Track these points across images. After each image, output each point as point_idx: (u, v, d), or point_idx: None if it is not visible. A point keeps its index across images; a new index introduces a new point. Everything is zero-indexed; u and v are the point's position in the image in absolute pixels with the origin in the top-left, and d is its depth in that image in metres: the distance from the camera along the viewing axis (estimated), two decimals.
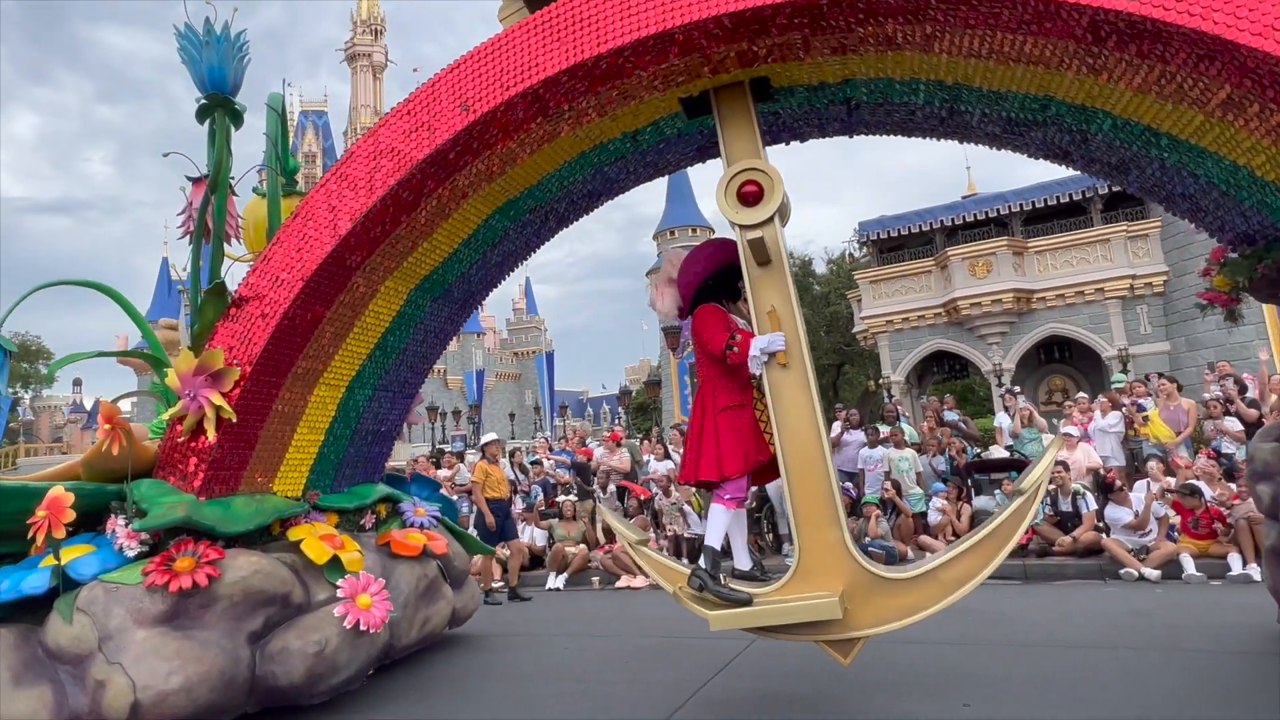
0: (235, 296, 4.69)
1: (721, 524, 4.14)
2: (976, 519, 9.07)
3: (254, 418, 4.72)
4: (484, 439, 9.82)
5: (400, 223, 4.68)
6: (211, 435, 4.47)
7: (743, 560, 4.42)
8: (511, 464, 11.74)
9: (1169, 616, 5.86)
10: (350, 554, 4.90)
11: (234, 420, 4.51)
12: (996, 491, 9.32)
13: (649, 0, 3.87)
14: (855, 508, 9.43)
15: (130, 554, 4.25)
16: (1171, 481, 8.39)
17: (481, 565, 8.43)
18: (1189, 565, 7.40)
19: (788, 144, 5.38)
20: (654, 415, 38.12)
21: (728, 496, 4.02)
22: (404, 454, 19.72)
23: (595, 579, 9.43)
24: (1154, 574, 7.37)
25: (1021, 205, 23.35)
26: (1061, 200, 22.79)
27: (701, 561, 4.01)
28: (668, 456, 11.15)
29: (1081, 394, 12.97)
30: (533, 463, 12.35)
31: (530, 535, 10.28)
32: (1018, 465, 9.70)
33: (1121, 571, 7.57)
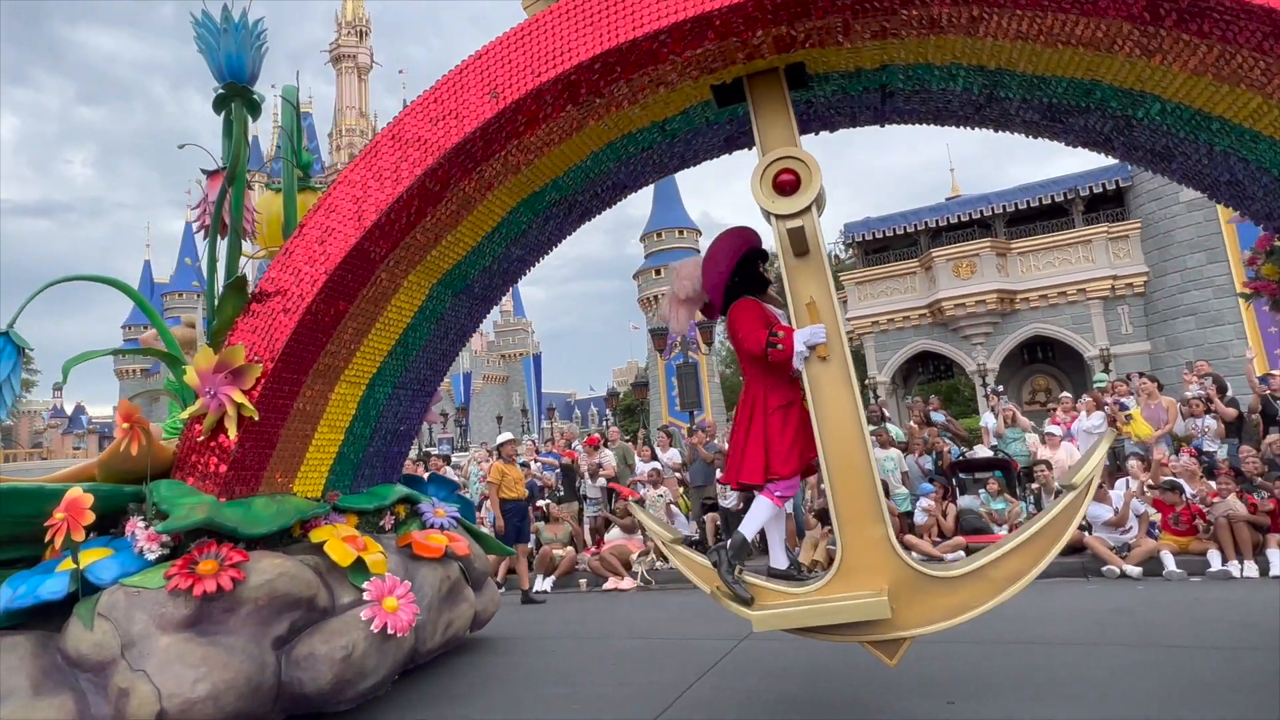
0: (256, 291, 4.56)
1: (761, 518, 4.01)
2: (961, 519, 9.14)
3: (275, 416, 4.59)
4: (499, 439, 9.68)
5: (425, 214, 4.55)
6: (233, 434, 4.33)
7: (779, 559, 4.29)
8: None
9: (1151, 614, 5.90)
10: (374, 556, 4.77)
11: (256, 418, 4.38)
12: (981, 491, 9.42)
13: None
14: None
15: (151, 557, 4.12)
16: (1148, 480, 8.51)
17: (514, 565, 8.35)
18: (1169, 562, 7.48)
19: (817, 134, 5.26)
20: (641, 417, 38.03)
21: (778, 493, 3.91)
22: None
23: (582, 581, 9.31)
24: (1135, 571, 7.42)
25: (1005, 207, 23.75)
26: (1044, 202, 23.23)
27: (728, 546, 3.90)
28: (654, 458, 11.20)
29: (1065, 393, 13.09)
30: (520, 465, 12.24)
31: None
32: (1002, 465, 9.93)
33: (1104, 569, 7.60)
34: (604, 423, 46.93)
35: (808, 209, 3.91)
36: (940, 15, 3.79)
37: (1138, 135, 4.35)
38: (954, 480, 9.79)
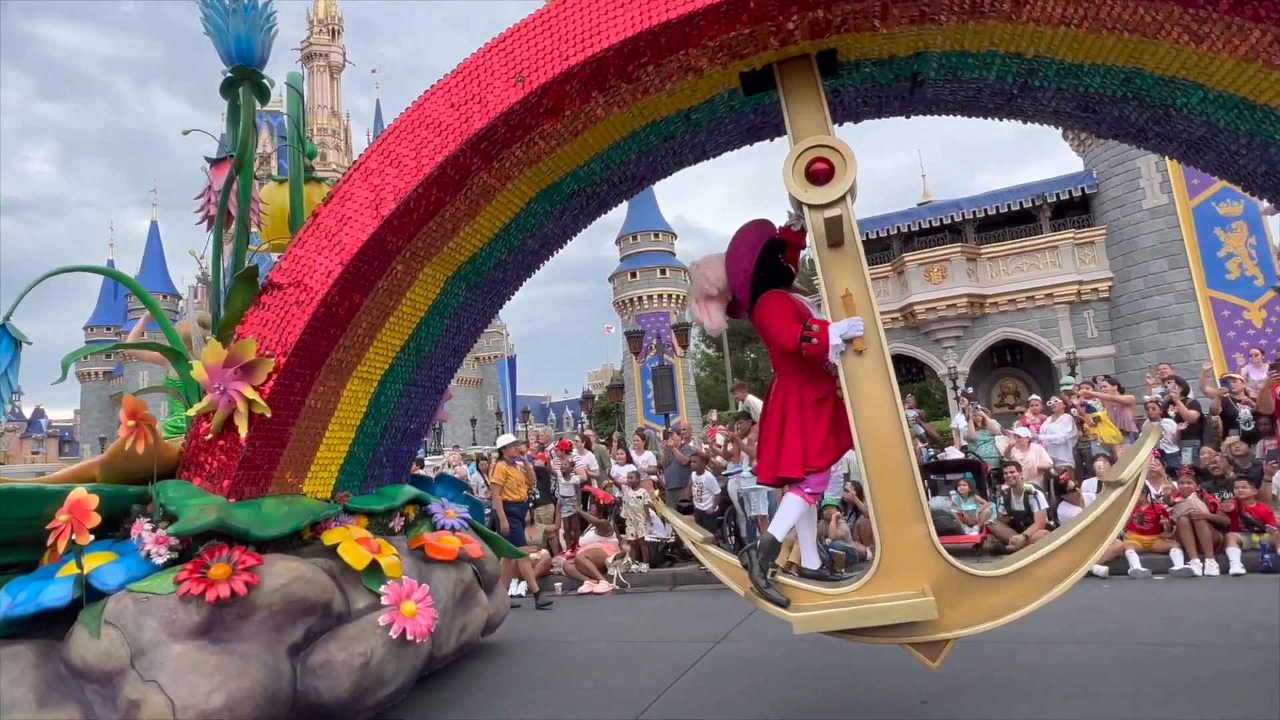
0: (266, 282, 4.37)
1: (792, 517, 3.89)
2: (934, 519, 9.01)
3: (287, 413, 4.40)
4: (501, 441, 9.50)
5: (444, 204, 4.39)
6: (244, 431, 4.14)
7: (811, 559, 4.17)
8: (478, 469, 11.57)
9: (1118, 612, 5.98)
10: (389, 558, 4.59)
11: (267, 415, 4.19)
12: (952, 492, 9.50)
13: None
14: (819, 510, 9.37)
15: (159, 561, 3.91)
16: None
17: (523, 568, 8.18)
18: (1134, 561, 7.64)
19: (841, 125, 5.14)
20: (616, 420, 37.88)
21: (809, 490, 3.79)
22: None
23: (558, 584, 9.14)
24: (1102, 570, 7.50)
25: (975, 213, 24.16)
26: (1012, 208, 23.64)
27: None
28: (630, 461, 11.13)
29: (1034, 396, 13.29)
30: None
31: None
32: (973, 466, 10.08)
33: None
34: (579, 426, 46.77)
35: (843, 198, 3.80)
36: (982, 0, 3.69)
37: (1175, 125, 4.28)
38: (925, 482, 9.82)
